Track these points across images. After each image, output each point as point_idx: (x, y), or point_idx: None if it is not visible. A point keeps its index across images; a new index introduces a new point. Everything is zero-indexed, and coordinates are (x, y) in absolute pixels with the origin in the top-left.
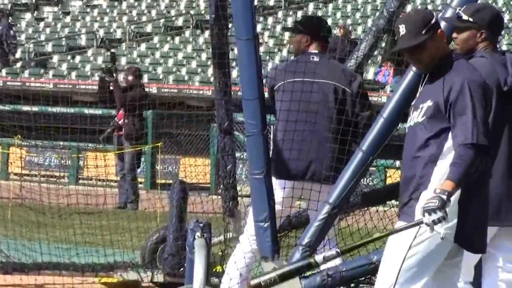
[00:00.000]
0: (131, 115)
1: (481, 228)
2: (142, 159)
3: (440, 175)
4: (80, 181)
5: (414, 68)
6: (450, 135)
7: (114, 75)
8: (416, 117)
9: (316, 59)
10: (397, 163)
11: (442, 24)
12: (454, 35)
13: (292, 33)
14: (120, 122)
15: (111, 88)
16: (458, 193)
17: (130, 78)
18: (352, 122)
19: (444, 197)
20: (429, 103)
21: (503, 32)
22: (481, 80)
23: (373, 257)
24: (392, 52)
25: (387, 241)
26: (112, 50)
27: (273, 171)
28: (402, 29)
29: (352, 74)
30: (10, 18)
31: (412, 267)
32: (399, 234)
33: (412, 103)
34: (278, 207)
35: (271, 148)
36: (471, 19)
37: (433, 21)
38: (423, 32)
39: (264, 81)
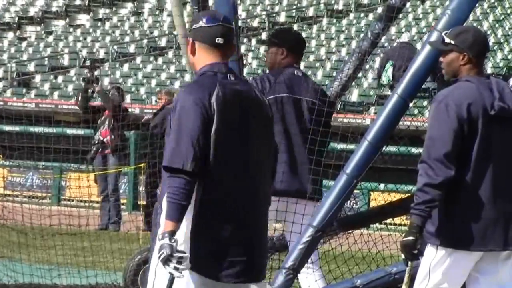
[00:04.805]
0: (116, 129)
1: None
2: (124, 180)
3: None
4: (62, 202)
5: (399, 92)
6: None
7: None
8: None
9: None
10: (381, 186)
11: (427, 48)
12: (440, 59)
13: (267, 46)
14: (105, 140)
15: (95, 96)
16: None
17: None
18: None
19: (167, 241)
20: None
21: (488, 55)
22: (197, 98)
23: (357, 280)
24: None
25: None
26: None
27: None
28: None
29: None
30: None
31: None
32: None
33: None
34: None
35: None
36: (453, 42)
37: (195, 25)
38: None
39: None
